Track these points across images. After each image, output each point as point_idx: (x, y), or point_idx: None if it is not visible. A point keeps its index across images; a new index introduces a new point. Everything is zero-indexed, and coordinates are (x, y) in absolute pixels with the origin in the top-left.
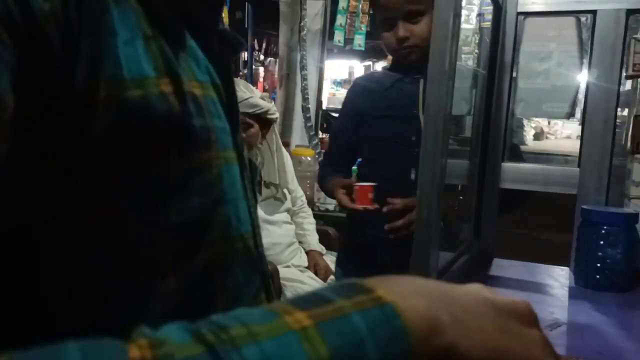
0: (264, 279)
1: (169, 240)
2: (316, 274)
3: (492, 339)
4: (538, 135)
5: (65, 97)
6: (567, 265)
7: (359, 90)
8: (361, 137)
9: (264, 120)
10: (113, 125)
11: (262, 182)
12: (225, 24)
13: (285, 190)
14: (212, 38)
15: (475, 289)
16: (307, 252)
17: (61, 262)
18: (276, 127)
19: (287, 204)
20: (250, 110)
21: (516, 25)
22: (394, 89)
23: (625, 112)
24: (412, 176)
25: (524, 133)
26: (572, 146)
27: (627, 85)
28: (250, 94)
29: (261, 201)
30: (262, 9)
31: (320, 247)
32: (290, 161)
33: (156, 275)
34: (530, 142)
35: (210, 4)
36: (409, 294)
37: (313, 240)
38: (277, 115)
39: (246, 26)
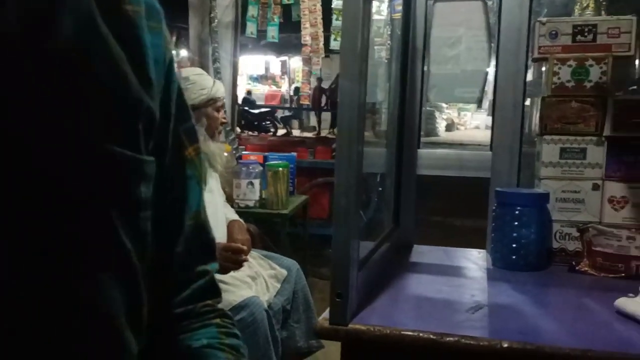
0: None
1: None
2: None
3: None
4: (449, 127)
5: None
6: (484, 248)
7: None
8: None
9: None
10: None
11: None
12: None
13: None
14: None
15: None
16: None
17: None
18: None
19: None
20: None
21: (426, 11)
22: None
23: (528, 102)
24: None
25: (436, 125)
26: (482, 136)
27: (529, 75)
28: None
29: None
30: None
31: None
32: None
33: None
34: (442, 133)
35: None
36: None
37: (232, 215)
38: None
39: None
